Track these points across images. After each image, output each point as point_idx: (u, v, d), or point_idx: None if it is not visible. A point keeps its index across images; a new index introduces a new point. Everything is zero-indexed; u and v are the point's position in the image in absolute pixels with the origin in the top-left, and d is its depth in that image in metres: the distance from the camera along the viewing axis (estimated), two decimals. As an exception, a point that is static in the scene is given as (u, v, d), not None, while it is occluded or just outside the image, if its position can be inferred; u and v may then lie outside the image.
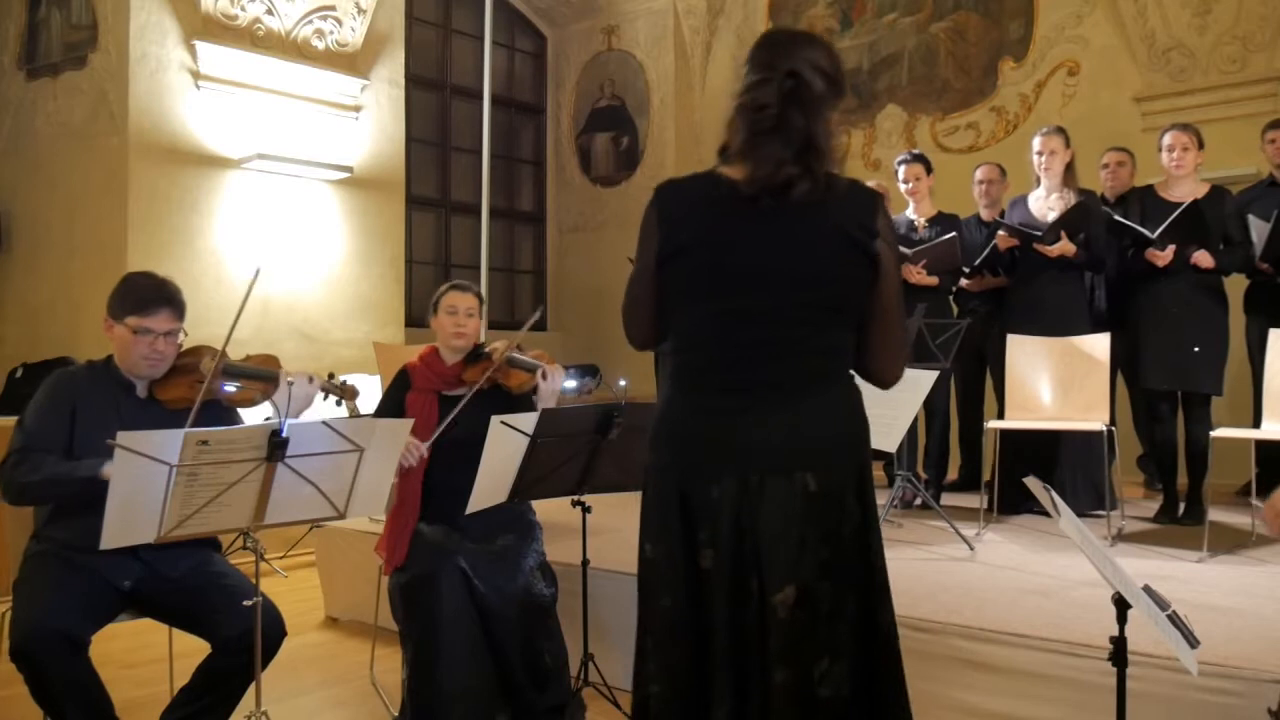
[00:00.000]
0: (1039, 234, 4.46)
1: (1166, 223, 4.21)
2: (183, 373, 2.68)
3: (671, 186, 1.84)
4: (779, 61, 1.74)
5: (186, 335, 2.70)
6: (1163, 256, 4.24)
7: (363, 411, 4.81)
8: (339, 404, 3.04)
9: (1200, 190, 4.36)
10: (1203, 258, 4.24)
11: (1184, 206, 4.21)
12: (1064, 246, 4.44)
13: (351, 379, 3.11)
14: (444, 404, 3.05)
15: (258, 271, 2.73)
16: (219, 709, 2.56)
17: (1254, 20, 6.23)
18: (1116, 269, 4.60)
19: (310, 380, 2.82)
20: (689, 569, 1.75)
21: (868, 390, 1.86)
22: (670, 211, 1.80)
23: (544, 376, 3.06)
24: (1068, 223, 4.44)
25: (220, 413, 2.74)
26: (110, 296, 2.65)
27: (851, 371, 1.84)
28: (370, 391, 5.31)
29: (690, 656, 1.75)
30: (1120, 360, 4.68)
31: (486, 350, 3.09)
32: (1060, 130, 4.61)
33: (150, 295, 2.62)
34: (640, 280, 1.85)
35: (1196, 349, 4.24)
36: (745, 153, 1.73)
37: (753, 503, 1.72)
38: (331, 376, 3.01)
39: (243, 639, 2.47)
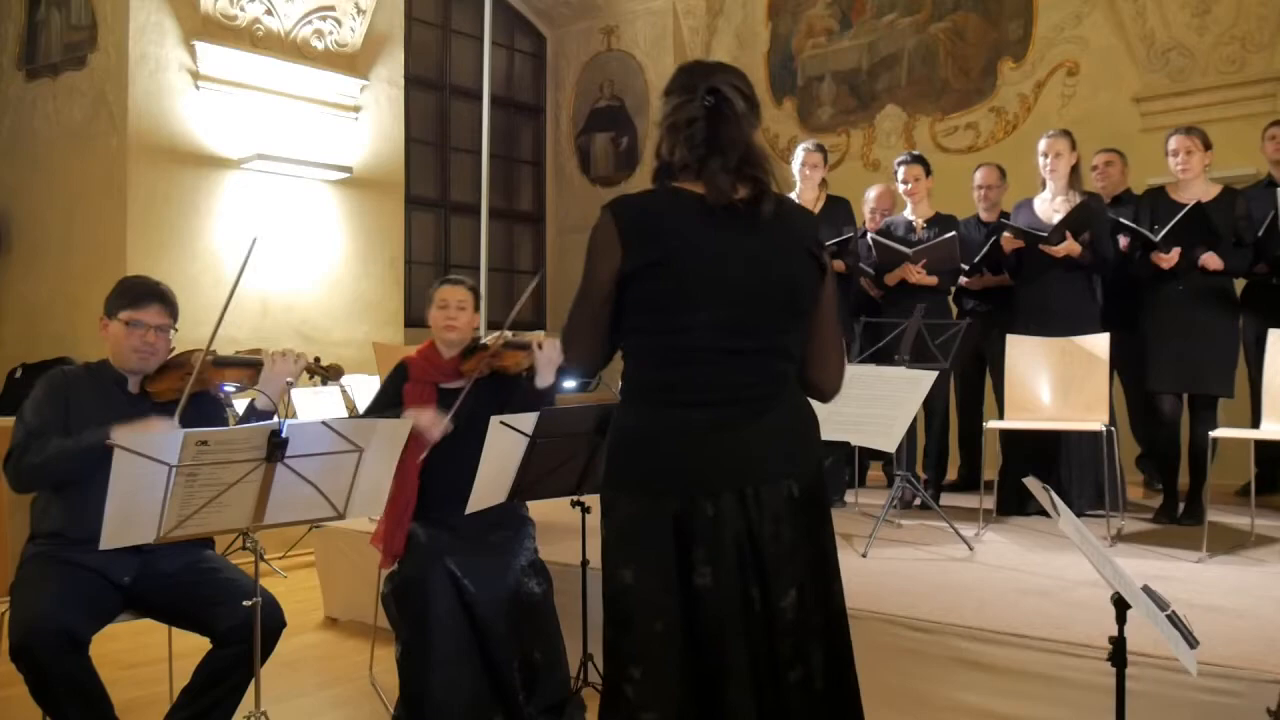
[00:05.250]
0: (1044, 235, 4.46)
1: (1169, 225, 4.20)
2: (172, 368, 2.77)
3: (628, 202, 1.81)
4: (698, 83, 1.78)
5: (177, 331, 2.77)
6: (1167, 259, 4.23)
7: (358, 399, 4.85)
8: (324, 382, 3.09)
9: (1210, 192, 4.33)
10: (1210, 260, 4.22)
11: (1186, 209, 4.19)
12: (1069, 247, 4.44)
13: (351, 379, 3.12)
14: (442, 396, 3.06)
15: (255, 240, 2.80)
16: (221, 705, 2.56)
17: (1253, 20, 6.23)
18: (1116, 269, 4.60)
19: (286, 355, 2.87)
20: (683, 590, 1.73)
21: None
22: (634, 227, 1.76)
23: (539, 346, 3.03)
24: (1072, 223, 4.44)
25: (210, 404, 2.82)
26: (106, 298, 2.74)
27: None
28: (370, 392, 5.32)
29: (689, 679, 1.72)
30: (1118, 363, 4.67)
31: (483, 342, 3.13)
32: (1065, 133, 4.60)
33: (142, 291, 2.73)
34: (592, 299, 1.80)
35: (1206, 351, 4.23)
36: (693, 169, 1.77)
37: (750, 514, 1.74)
38: (317, 360, 3.04)
39: (241, 629, 2.48)
